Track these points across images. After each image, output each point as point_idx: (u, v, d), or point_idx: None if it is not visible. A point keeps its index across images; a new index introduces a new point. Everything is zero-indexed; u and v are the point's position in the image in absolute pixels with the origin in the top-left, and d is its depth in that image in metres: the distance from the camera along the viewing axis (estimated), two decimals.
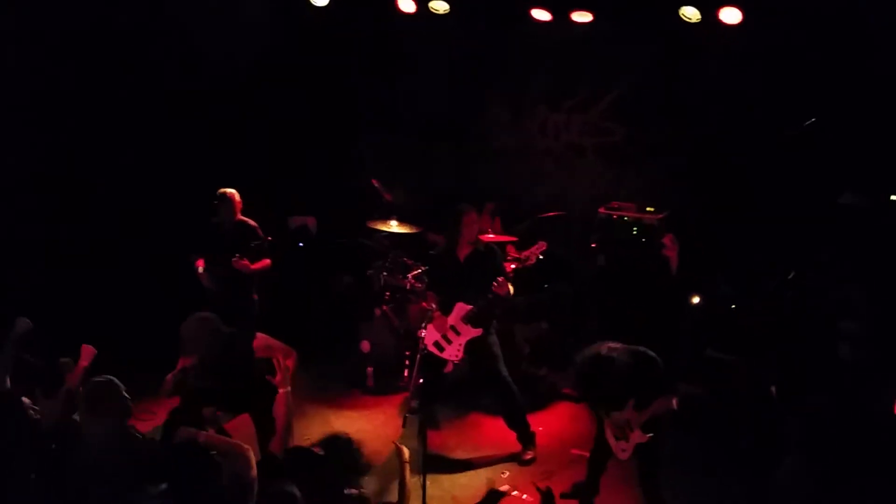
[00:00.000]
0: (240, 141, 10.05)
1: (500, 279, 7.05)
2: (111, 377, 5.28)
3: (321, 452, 4.98)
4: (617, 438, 6.09)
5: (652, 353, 6.00)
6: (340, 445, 4.78)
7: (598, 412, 6.26)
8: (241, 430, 6.14)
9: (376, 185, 9.38)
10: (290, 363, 6.28)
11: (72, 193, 9.17)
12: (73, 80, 9.03)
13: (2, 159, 8.68)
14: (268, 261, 8.24)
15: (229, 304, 7.79)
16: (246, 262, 8.00)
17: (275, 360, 5.64)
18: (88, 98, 9.12)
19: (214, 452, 5.09)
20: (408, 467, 5.40)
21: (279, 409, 5.47)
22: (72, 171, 9.16)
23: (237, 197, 8.16)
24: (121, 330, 8.04)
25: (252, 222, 8.25)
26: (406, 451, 5.49)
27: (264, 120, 10.26)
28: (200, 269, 8.16)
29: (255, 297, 8.34)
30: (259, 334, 6.52)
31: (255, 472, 4.92)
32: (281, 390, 5.52)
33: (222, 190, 8.14)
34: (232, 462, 4.98)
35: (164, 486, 5.17)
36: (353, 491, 5.23)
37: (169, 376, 6.48)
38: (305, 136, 10.53)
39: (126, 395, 5.23)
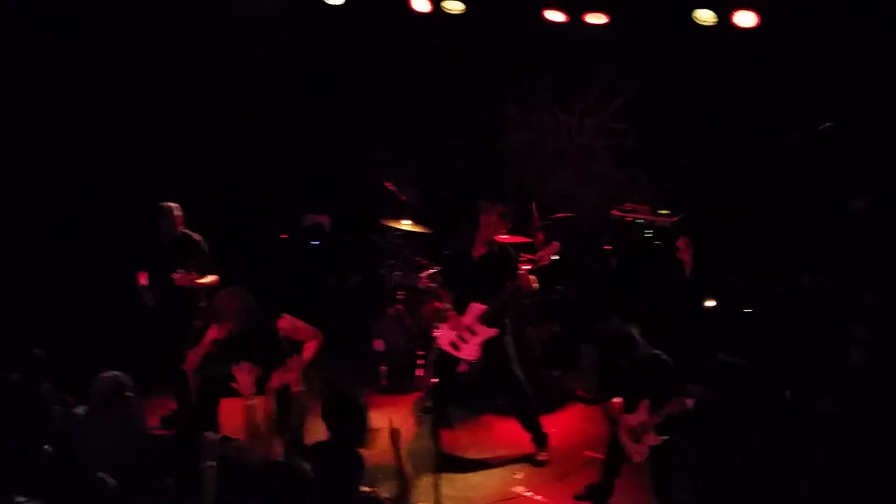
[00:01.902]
0: (240, 141, 10.04)
1: (522, 269, 7.05)
2: (118, 375, 5.45)
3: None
4: (632, 441, 6.13)
5: (666, 357, 6.07)
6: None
7: (608, 404, 6.31)
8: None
9: (391, 187, 9.34)
10: (312, 346, 6.33)
11: (72, 193, 9.14)
12: (74, 79, 8.99)
13: (2, 159, 8.67)
14: (216, 277, 7.47)
15: (170, 324, 7.41)
16: (193, 275, 7.26)
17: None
18: (88, 97, 9.09)
19: None
20: (404, 455, 5.34)
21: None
22: (72, 171, 9.12)
23: (176, 210, 7.52)
24: (121, 330, 8.07)
25: (196, 236, 7.56)
26: (401, 435, 5.29)
27: (264, 119, 10.22)
28: (143, 285, 7.54)
29: (199, 321, 7.36)
30: (285, 315, 6.40)
31: None
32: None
33: (161, 203, 7.53)
34: None
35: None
36: (367, 489, 5.26)
37: (191, 353, 6.47)
38: (312, 134, 10.49)
39: (130, 392, 5.40)
